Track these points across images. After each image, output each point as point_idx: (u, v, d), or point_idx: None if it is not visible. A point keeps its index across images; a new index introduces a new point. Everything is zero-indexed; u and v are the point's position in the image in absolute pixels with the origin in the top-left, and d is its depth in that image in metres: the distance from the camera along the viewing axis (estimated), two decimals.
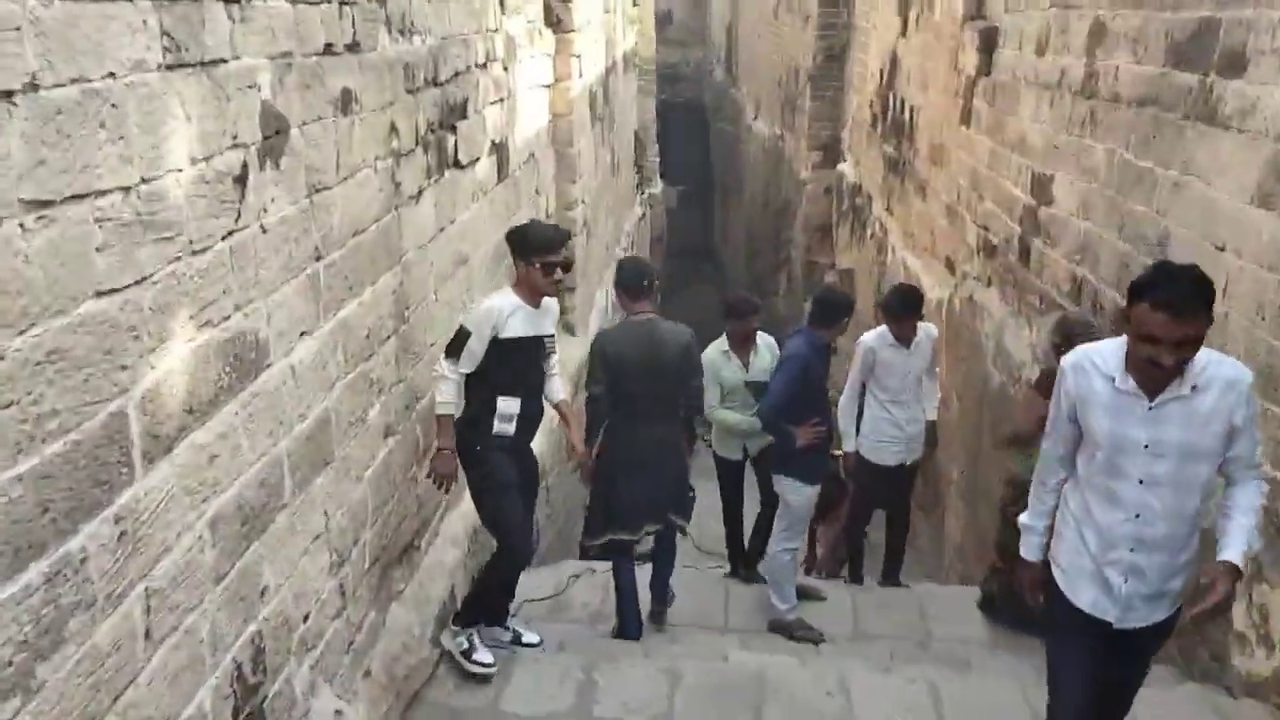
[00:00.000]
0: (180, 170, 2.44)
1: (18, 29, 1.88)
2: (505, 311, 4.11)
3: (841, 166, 13.63)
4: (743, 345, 5.32)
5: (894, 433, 5.32)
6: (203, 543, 2.60)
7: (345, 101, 3.41)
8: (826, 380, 4.93)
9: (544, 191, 6.68)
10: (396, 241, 3.95)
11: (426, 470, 4.22)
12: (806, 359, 4.69)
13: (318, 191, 3.20)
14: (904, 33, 10.27)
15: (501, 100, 5.46)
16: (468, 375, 4.12)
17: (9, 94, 1.87)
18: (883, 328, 5.23)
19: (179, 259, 2.44)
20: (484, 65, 5.06)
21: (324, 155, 3.25)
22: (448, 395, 4.08)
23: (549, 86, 6.82)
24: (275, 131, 2.92)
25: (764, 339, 5.39)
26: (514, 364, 4.13)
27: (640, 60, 13.64)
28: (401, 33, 3.97)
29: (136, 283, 2.27)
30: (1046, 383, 4.29)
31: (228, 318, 2.68)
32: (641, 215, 12.95)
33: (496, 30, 5.42)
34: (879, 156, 11.34)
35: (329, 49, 3.28)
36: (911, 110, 10.00)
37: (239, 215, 2.73)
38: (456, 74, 4.61)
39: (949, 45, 8.50)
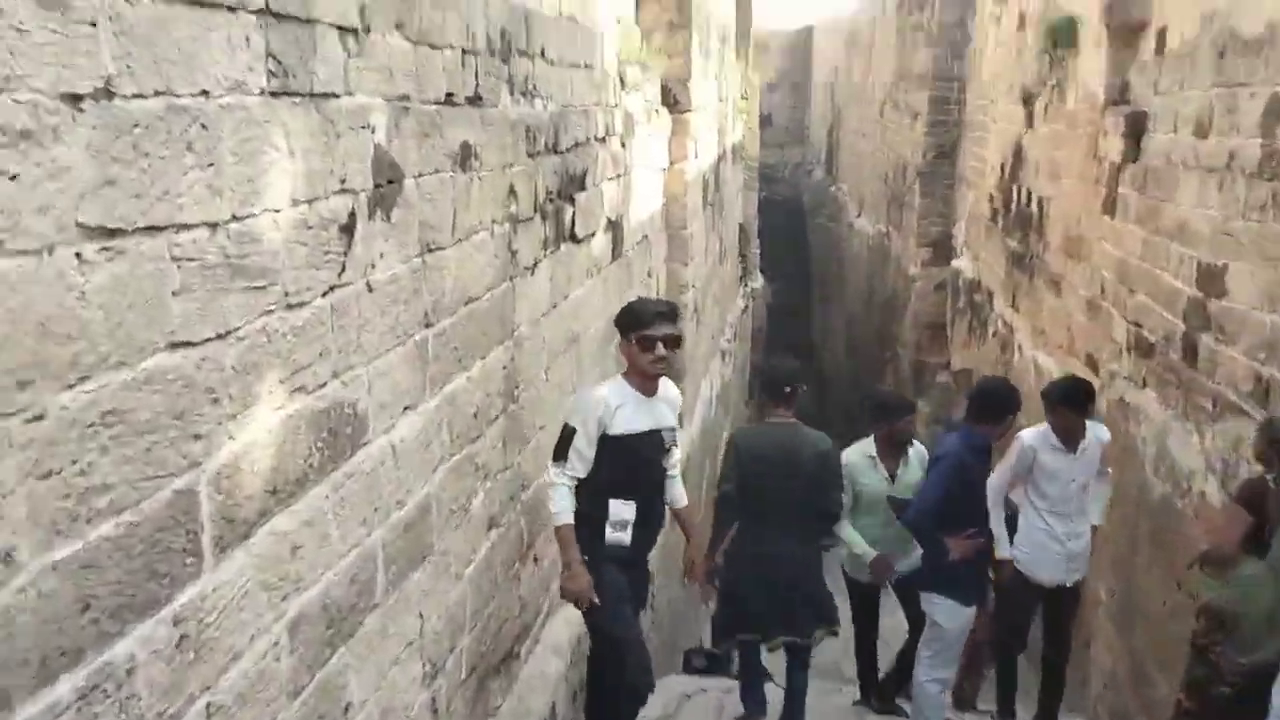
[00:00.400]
0: (279, 211, 2.08)
1: (93, 24, 1.56)
2: (613, 403, 3.63)
3: (957, 262, 13.07)
4: (892, 452, 4.71)
5: (1054, 548, 4.67)
6: (279, 649, 2.17)
7: (465, 156, 3.08)
8: (984, 486, 4.35)
9: (655, 273, 6.33)
10: (510, 314, 3.58)
11: (558, 587, 3.85)
12: (962, 460, 4.14)
13: (430, 251, 2.85)
14: (1029, 124, 9.80)
15: (619, 176, 5.14)
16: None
17: (76, 98, 1.53)
18: (1044, 426, 4.61)
19: (271, 312, 2.07)
20: (603, 139, 4.75)
21: (439, 212, 2.90)
22: (561, 504, 3.58)
23: (664, 169, 6.52)
24: (388, 180, 2.58)
25: (917, 450, 4.78)
26: (627, 463, 3.62)
27: (745, 154, 13.43)
28: (524, 94, 3.66)
29: (219, 336, 1.90)
30: (1250, 494, 3.66)
31: (324, 385, 2.29)
32: (744, 308, 12.57)
33: (616, 105, 5.13)
34: (1001, 251, 10.78)
35: (450, 99, 2.96)
36: (1040, 202, 9.46)
37: (343, 269, 2.37)
38: (576, 144, 4.29)
39: (1086, 133, 7.99)
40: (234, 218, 1.93)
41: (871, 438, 4.77)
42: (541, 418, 4.00)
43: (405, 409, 2.75)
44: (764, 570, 4.30)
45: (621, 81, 5.28)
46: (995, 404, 4.25)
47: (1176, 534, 5.99)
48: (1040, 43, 9.11)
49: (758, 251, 14.71)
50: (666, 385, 3.82)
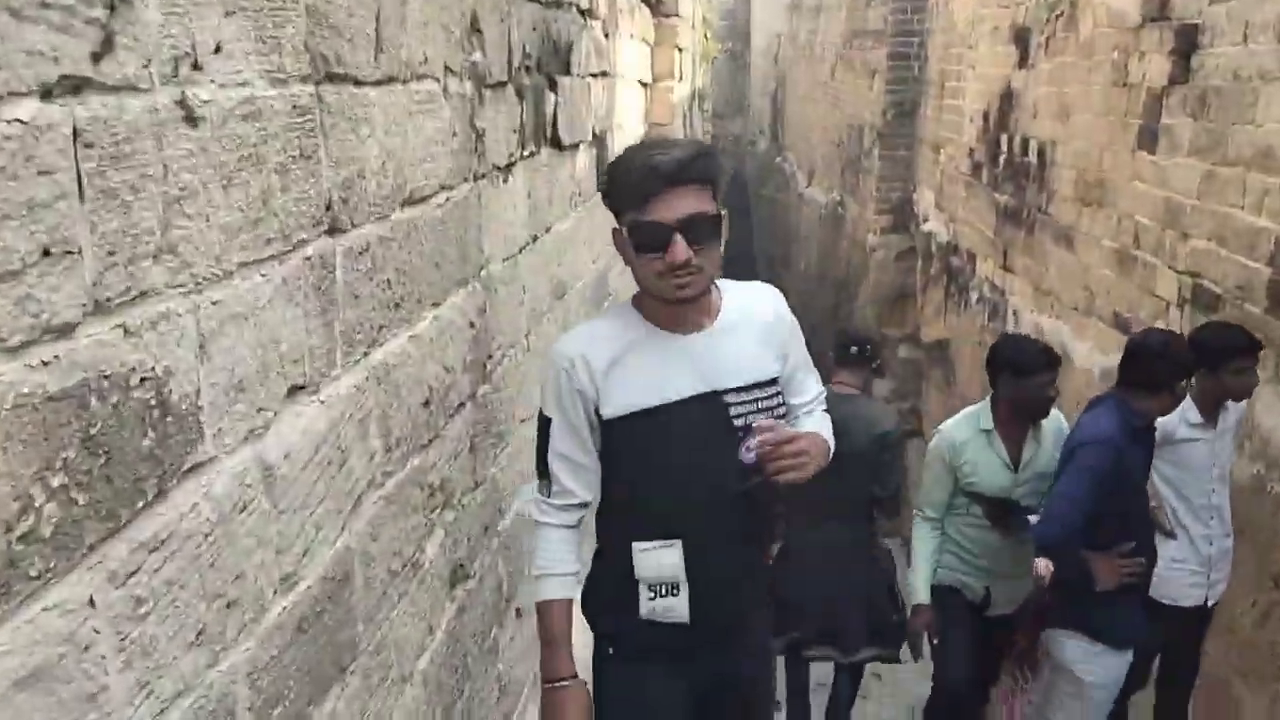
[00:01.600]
0: None
1: None
2: (597, 358, 1.82)
3: (928, 226, 11.91)
4: (1016, 427, 3.24)
5: (1192, 557, 3.41)
6: None
7: None
8: (1145, 483, 3.02)
9: None
10: (475, 236, 2.18)
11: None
12: (1118, 446, 2.80)
13: (334, 79, 1.44)
14: (1022, 64, 8.60)
15: (604, 75, 3.72)
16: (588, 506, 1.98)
17: None
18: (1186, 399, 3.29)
19: None
20: (587, 10, 3.32)
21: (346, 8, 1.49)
22: (545, 559, 1.90)
23: (647, 86, 5.11)
24: None
25: (1054, 419, 3.28)
26: (652, 467, 1.82)
27: (706, 108, 12.06)
28: None
29: None
30: None
31: (62, 332, 0.89)
32: None
33: None
34: (988, 208, 9.60)
35: None
36: (1041, 148, 8.27)
37: (108, 44, 0.95)
38: (559, 1, 2.88)
39: (1109, 60, 6.79)
40: None
41: (987, 403, 3.30)
42: (524, 404, 2.57)
43: (292, 393, 1.35)
44: (807, 569, 3.49)
45: None
46: (1165, 366, 2.88)
47: (1271, 523, 4.81)
48: None
49: None
50: (738, 300, 1.90)
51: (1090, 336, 7.12)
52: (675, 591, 1.79)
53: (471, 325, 2.14)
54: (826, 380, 4.07)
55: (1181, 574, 3.41)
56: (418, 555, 1.84)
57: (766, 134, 21.09)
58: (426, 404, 1.86)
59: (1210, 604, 3.55)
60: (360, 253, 1.56)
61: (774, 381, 1.86)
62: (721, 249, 1.79)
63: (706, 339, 1.81)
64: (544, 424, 1.87)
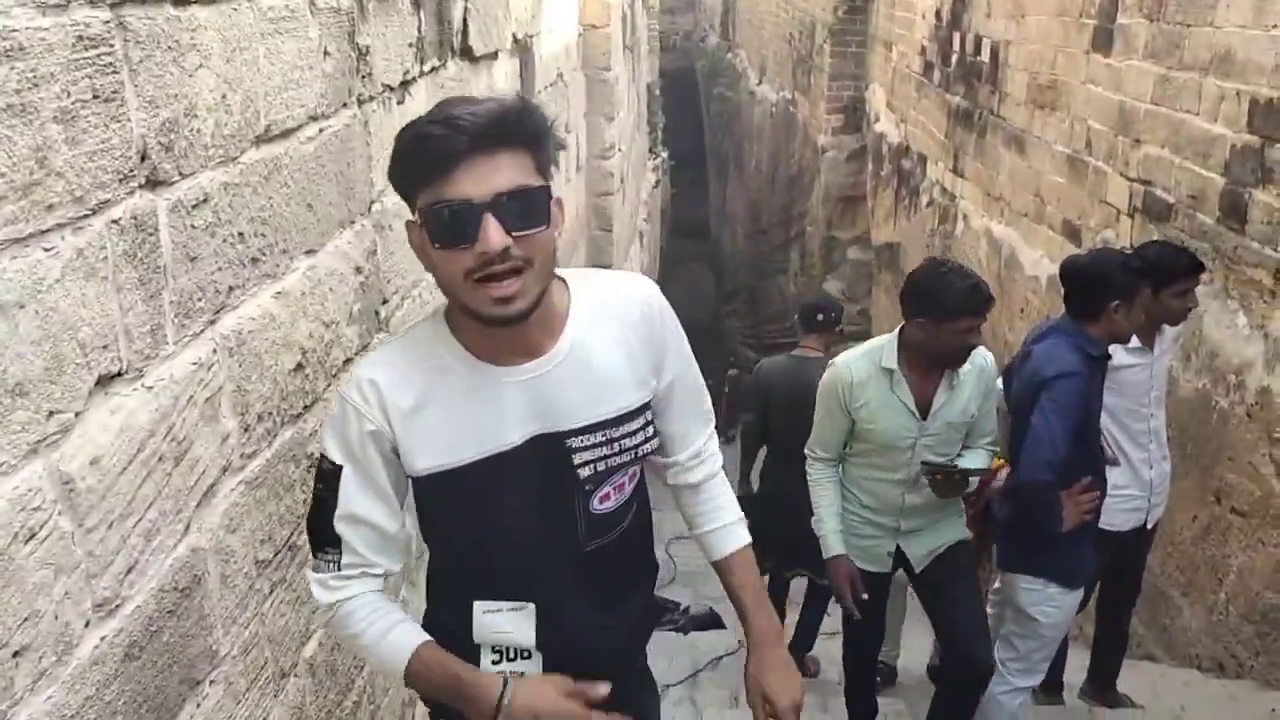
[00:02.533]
0: None
1: None
2: (398, 401, 1.32)
3: (880, 126, 11.63)
4: (927, 369, 2.68)
5: (1133, 483, 3.31)
6: None
7: None
8: (1100, 412, 2.88)
9: (574, 129, 4.62)
10: (362, 171, 1.92)
11: None
12: (1084, 379, 2.63)
13: (141, 0, 1.18)
14: None
15: None
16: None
17: None
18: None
19: None
20: None
21: None
22: (369, 621, 1.36)
23: None
24: None
25: (978, 357, 2.73)
26: (481, 523, 1.37)
27: (652, 3, 11.52)
28: None
29: None
30: None
31: None
32: (655, 183, 10.91)
33: None
34: (939, 109, 9.35)
35: None
36: (994, 48, 8.00)
37: None
38: None
39: None
40: None
41: (893, 337, 2.75)
42: None
43: (102, 384, 1.13)
44: (785, 508, 3.63)
45: None
46: (1098, 288, 2.68)
47: (1215, 437, 4.80)
48: None
49: (662, 121, 12.98)
50: (592, 300, 1.40)
51: (1040, 244, 6.99)
52: (526, 656, 1.38)
53: (358, 270, 1.90)
54: (795, 346, 4.10)
55: (1122, 500, 3.33)
56: (296, 536, 1.65)
57: (717, 29, 20.43)
58: (299, 368, 1.64)
59: (1149, 525, 3.49)
60: (195, 206, 1.31)
61: (639, 412, 1.40)
62: (556, 237, 1.29)
63: (540, 370, 1.32)
64: (328, 475, 1.32)
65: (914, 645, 4.17)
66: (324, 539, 1.33)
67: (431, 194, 1.21)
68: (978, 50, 8.28)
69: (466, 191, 1.19)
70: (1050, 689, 3.83)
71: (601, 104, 5.05)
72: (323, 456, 1.33)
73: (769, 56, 16.47)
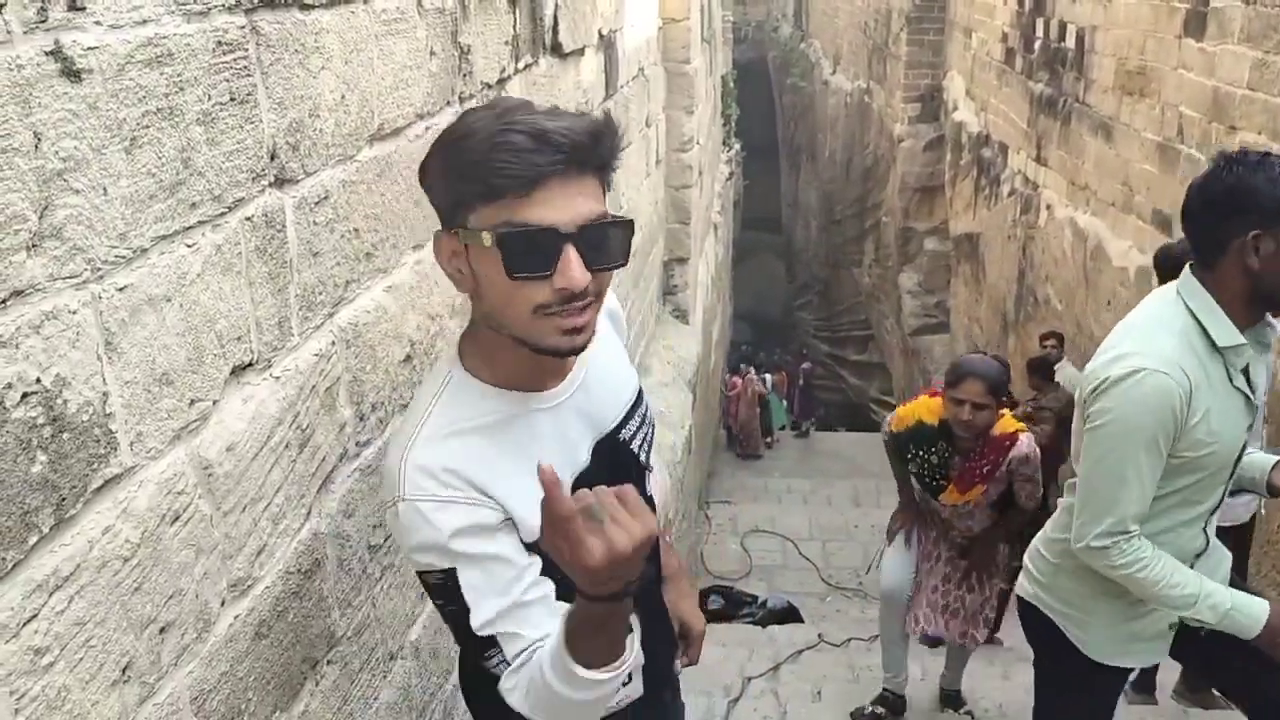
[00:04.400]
0: None
1: None
2: (477, 466, 1.13)
3: (958, 115, 11.41)
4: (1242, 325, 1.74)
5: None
6: None
7: None
8: None
9: (655, 123, 4.64)
10: None
11: None
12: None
13: (272, 6, 1.22)
14: None
15: None
16: None
17: None
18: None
19: None
20: None
21: None
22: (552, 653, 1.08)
23: None
24: None
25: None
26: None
27: None
28: None
29: None
30: None
31: None
32: (729, 175, 10.85)
33: None
34: (1022, 97, 9.14)
35: None
36: (1080, 34, 7.79)
37: None
38: None
39: None
40: None
41: (1193, 293, 1.78)
42: None
43: (236, 374, 1.17)
44: None
45: None
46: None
47: None
48: None
49: (736, 113, 12.94)
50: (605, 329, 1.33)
51: (1128, 234, 6.80)
52: (637, 676, 1.16)
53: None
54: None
55: (1242, 497, 3.22)
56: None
57: (790, 20, 20.22)
58: (408, 359, 1.69)
59: (1250, 516, 3.40)
60: (318, 203, 1.36)
61: (640, 389, 1.39)
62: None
63: (576, 381, 1.24)
64: (443, 587, 1.11)
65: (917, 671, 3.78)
66: (480, 643, 1.12)
67: (503, 213, 1.04)
68: (1062, 36, 8.08)
69: (550, 217, 1.04)
70: (1143, 688, 3.74)
71: (681, 97, 5.06)
72: (425, 573, 1.12)
73: (843, 46, 16.25)
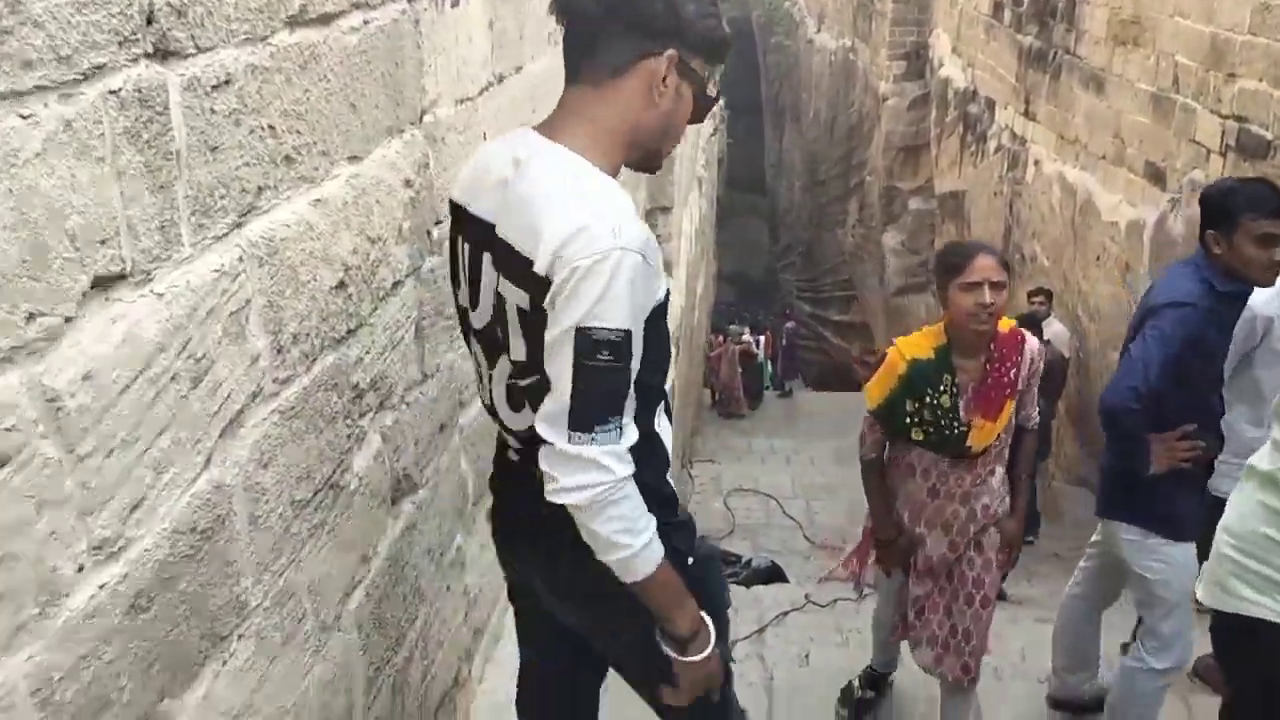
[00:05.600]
0: None
1: None
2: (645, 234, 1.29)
3: (944, 71, 11.13)
4: None
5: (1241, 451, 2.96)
6: None
7: None
8: (1224, 359, 2.56)
9: None
10: (413, 72, 1.70)
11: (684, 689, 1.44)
12: (1208, 312, 2.32)
13: None
14: None
15: None
16: None
17: None
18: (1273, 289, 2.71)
19: None
20: None
21: None
22: (643, 515, 1.31)
23: None
24: None
25: None
26: (667, 350, 1.42)
27: None
28: None
29: None
30: None
31: None
32: (714, 129, 10.56)
33: None
34: (1009, 50, 8.88)
35: None
36: None
37: None
38: None
39: None
40: None
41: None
42: None
43: (100, 287, 0.93)
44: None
45: None
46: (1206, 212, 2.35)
47: None
48: None
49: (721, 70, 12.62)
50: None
51: (1119, 188, 6.57)
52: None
53: (408, 184, 1.69)
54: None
55: (1233, 468, 3.00)
56: (339, 474, 1.46)
57: None
58: (341, 286, 1.44)
59: None
60: (216, 87, 1.10)
61: None
62: None
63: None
64: (618, 345, 1.22)
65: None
66: (614, 408, 1.25)
67: None
68: None
69: None
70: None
71: None
72: (597, 328, 1.21)
73: (828, 3, 15.89)
